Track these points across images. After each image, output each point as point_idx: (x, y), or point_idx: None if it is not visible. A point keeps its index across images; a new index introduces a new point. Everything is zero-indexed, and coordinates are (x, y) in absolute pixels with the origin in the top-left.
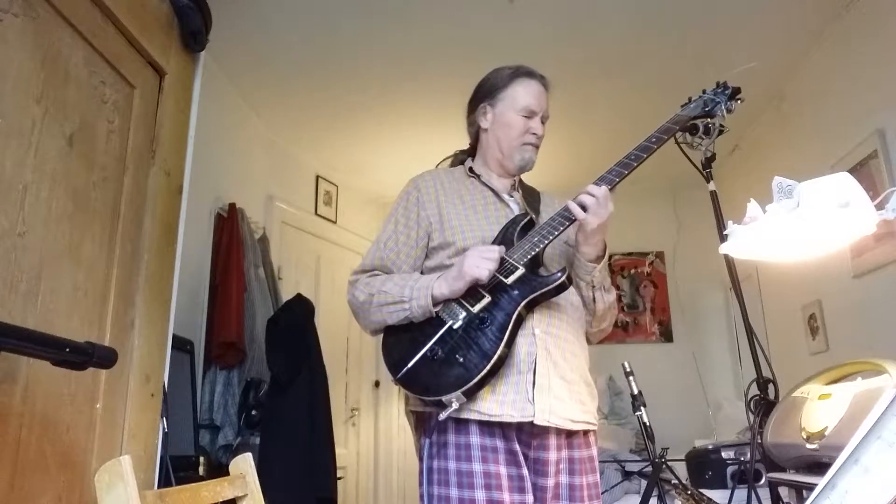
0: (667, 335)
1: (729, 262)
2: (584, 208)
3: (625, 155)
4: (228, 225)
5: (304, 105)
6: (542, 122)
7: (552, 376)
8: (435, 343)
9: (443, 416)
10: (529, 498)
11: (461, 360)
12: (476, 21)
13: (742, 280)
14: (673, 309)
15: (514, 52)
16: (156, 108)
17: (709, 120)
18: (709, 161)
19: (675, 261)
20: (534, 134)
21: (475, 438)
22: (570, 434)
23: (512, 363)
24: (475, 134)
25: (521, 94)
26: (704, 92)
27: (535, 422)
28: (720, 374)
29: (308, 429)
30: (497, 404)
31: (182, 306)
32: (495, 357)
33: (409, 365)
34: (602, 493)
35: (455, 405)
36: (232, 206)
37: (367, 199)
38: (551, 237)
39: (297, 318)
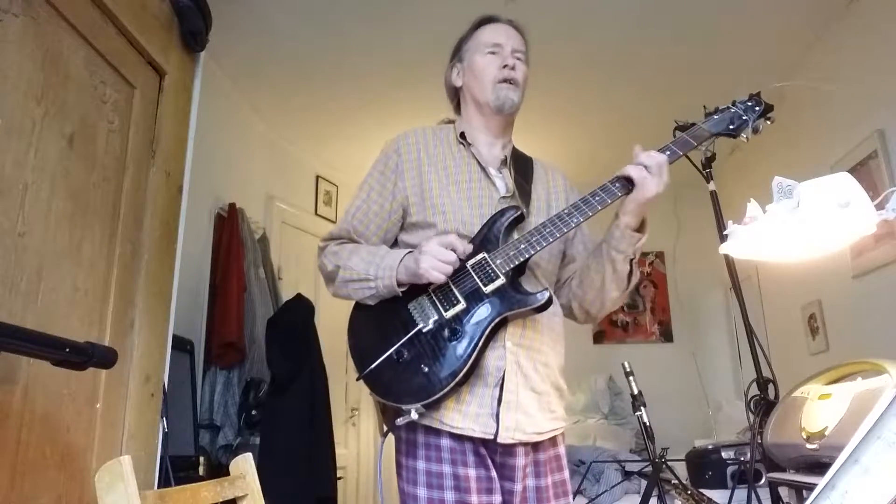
0: (667, 335)
1: (729, 262)
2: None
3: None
4: (228, 225)
5: (305, 105)
6: (520, 60)
7: (521, 390)
8: (402, 345)
9: (399, 421)
10: (497, 498)
11: (425, 370)
12: None
13: (742, 280)
14: (673, 309)
15: None
16: (156, 108)
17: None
18: (709, 161)
19: (675, 261)
20: (505, 66)
21: (445, 441)
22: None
23: (479, 374)
24: (455, 99)
25: (484, 34)
26: (734, 104)
27: (499, 440)
28: (720, 374)
29: (308, 429)
30: (460, 415)
31: (182, 306)
32: (461, 375)
33: (374, 366)
34: (602, 493)
35: (414, 415)
36: (232, 206)
37: None
38: (539, 247)
39: (297, 318)
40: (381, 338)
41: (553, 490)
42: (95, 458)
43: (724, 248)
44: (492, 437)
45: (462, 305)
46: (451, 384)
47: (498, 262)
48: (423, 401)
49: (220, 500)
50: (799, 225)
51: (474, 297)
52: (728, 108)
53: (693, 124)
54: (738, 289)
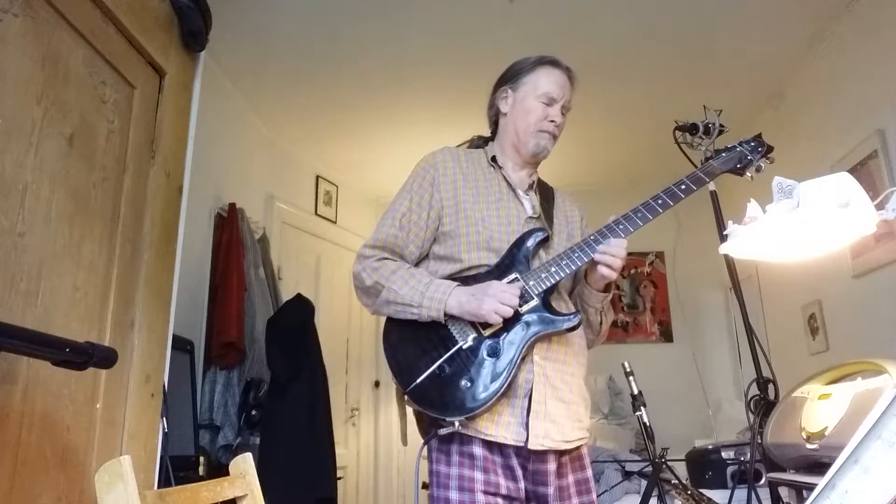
0: (667, 335)
1: (729, 262)
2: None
3: (652, 197)
4: (228, 225)
5: (304, 105)
6: (563, 113)
7: (549, 400)
8: (444, 361)
9: (442, 431)
10: None
11: (466, 385)
12: (475, 21)
13: (742, 280)
14: (673, 309)
15: (514, 53)
16: (156, 108)
17: (741, 165)
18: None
19: (675, 261)
20: (551, 121)
21: (478, 450)
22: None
23: (509, 386)
24: (494, 118)
25: (543, 80)
26: (741, 144)
27: (530, 447)
28: (720, 374)
29: (308, 429)
30: (493, 424)
31: (182, 306)
32: (501, 391)
33: (419, 381)
34: (602, 494)
35: (456, 426)
36: (232, 206)
37: (367, 199)
38: (569, 270)
39: (297, 319)
40: (420, 352)
41: (576, 488)
42: (95, 458)
43: (724, 248)
44: (522, 444)
45: (499, 325)
46: (492, 400)
47: (531, 283)
48: (466, 415)
49: (220, 500)
50: (799, 225)
51: (510, 317)
52: (734, 147)
53: (693, 125)
54: (738, 289)
